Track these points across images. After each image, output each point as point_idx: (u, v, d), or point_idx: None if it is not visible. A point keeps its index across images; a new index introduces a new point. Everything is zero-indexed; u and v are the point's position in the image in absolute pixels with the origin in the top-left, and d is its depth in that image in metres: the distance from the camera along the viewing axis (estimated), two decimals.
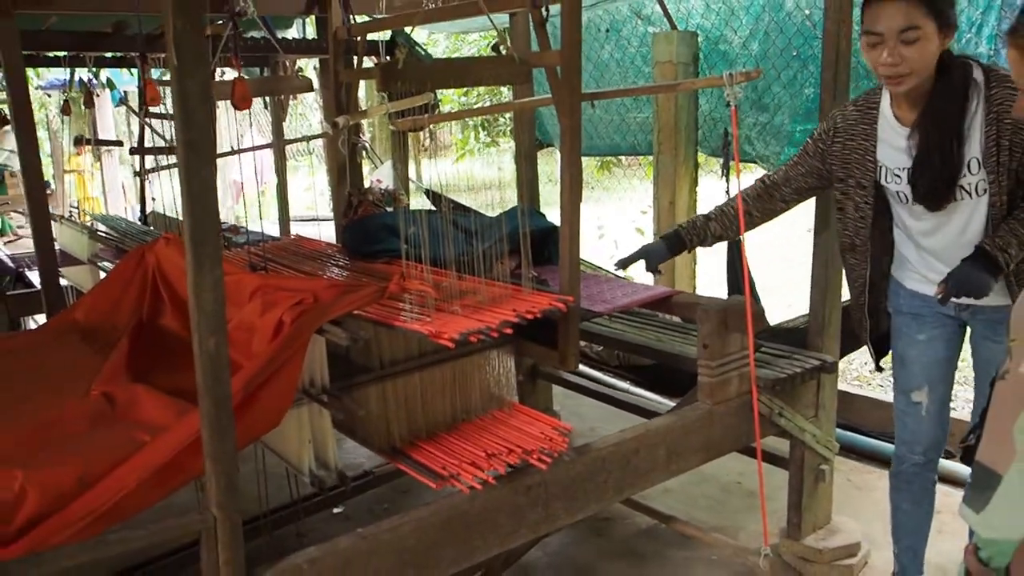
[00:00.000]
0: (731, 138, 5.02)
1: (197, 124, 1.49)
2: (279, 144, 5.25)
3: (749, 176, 4.99)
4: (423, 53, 1.76)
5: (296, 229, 5.69)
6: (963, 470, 3.38)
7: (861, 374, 5.30)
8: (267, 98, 5.57)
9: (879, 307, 2.47)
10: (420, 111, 3.88)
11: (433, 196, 5.07)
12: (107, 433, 1.80)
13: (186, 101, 1.48)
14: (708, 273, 5.42)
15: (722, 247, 3.34)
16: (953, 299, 2.10)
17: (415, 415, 2.17)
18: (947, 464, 3.54)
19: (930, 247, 2.26)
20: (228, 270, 1.92)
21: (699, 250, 5.68)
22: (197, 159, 1.51)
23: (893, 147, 2.22)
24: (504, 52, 2.03)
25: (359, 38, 3.02)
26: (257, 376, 1.74)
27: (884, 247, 2.40)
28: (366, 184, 3.61)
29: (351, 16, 2.93)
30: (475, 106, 8.34)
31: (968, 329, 2.35)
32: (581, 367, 3.74)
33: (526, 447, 2.09)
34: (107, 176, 8.66)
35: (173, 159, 4.73)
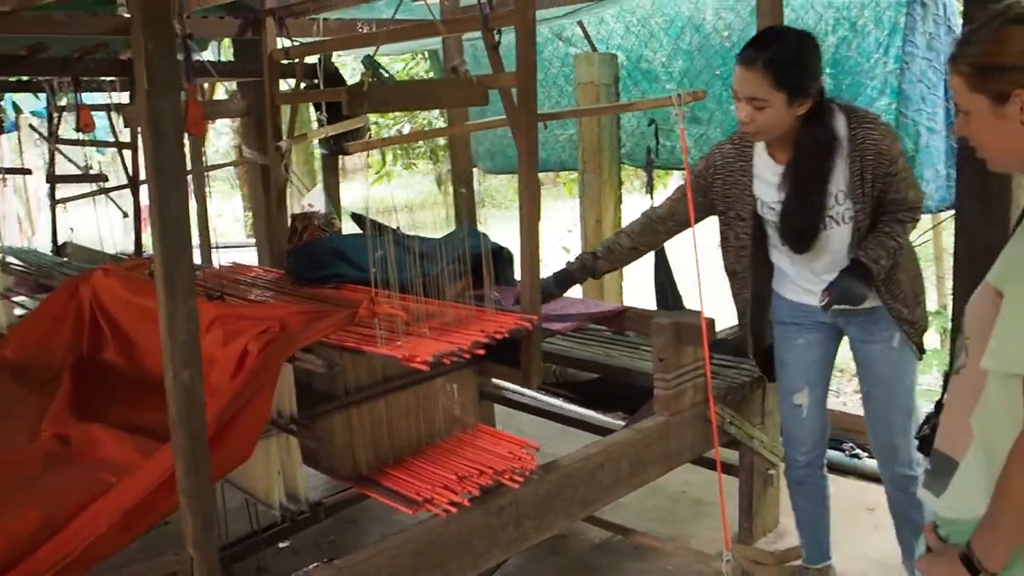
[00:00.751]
0: (654, 156, 5.17)
1: (168, 147, 1.45)
2: (199, 171, 5.10)
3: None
4: (387, 75, 1.75)
5: (217, 256, 5.55)
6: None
7: None
8: None
9: (762, 324, 2.62)
10: (353, 135, 3.86)
11: (358, 219, 5.02)
12: (67, 475, 1.70)
13: (157, 124, 1.43)
14: (634, 286, 5.52)
15: (649, 260, 3.45)
16: (834, 306, 2.28)
17: (381, 441, 2.14)
18: (872, 463, 3.70)
19: (806, 263, 2.43)
20: None
21: (625, 269, 5.81)
22: (168, 184, 1.46)
23: (767, 182, 2.38)
24: (461, 74, 2.03)
25: (297, 60, 2.97)
26: (228, 409, 1.68)
27: (764, 269, 2.56)
28: (297, 209, 3.55)
29: (290, 39, 2.88)
30: (393, 128, 8.31)
31: (844, 336, 2.52)
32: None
33: (496, 467, 2.08)
34: (2, 207, 8.23)
35: (89, 187, 4.55)
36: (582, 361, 2.96)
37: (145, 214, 3.91)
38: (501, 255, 2.98)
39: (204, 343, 1.93)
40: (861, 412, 2.76)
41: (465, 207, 3.78)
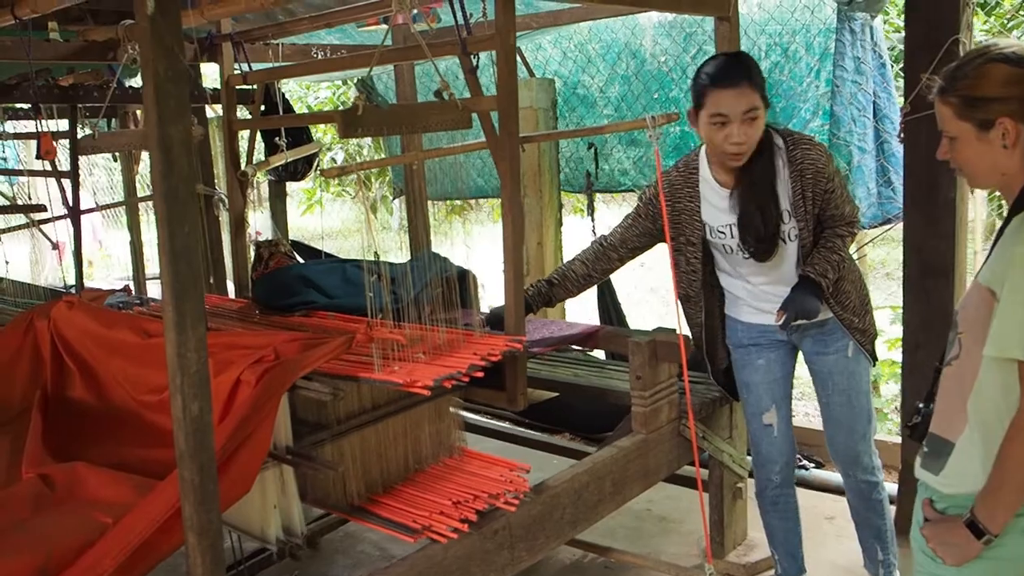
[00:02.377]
0: (593, 179, 5.27)
1: (179, 173, 1.41)
2: (132, 201, 4.95)
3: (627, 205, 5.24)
4: (380, 99, 1.73)
5: (153, 289, 5.37)
6: (836, 478, 3.65)
7: None
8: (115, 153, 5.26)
9: (716, 346, 2.71)
10: (304, 161, 3.81)
11: (300, 248, 4.95)
12: (58, 518, 1.62)
13: (169, 150, 1.39)
14: (577, 308, 5.58)
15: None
16: (780, 330, 2.41)
17: (370, 469, 2.10)
18: (822, 474, 3.82)
19: (758, 284, 2.53)
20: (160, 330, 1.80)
21: None
22: (180, 211, 1.42)
23: (716, 207, 2.48)
24: (447, 98, 2.04)
25: (255, 86, 2.93)
26: (230, 442, 1.63)
27: (715, 294, 2.65)
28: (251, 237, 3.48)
29: (248, 64, 2.84)
30: (327, 156, 8.21)
31: (799, 351, 2.62)
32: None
33: (490, 491, 2.07)
34: None
35: (15, 220, 4.36)
36: (551, 382, 2.97)
37: (91, 246, 3.77)
38: (467, 278, 2.98)
39: None
40: (804, 425, 2.86)
41: (419, 232, 3.76)
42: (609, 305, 4.98)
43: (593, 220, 5.13)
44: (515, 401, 2.25)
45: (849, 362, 2.51)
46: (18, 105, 3.74)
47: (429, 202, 5.54)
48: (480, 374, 1.92)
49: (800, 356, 2.64)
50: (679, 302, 2.67)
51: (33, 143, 4.06)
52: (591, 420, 4.29)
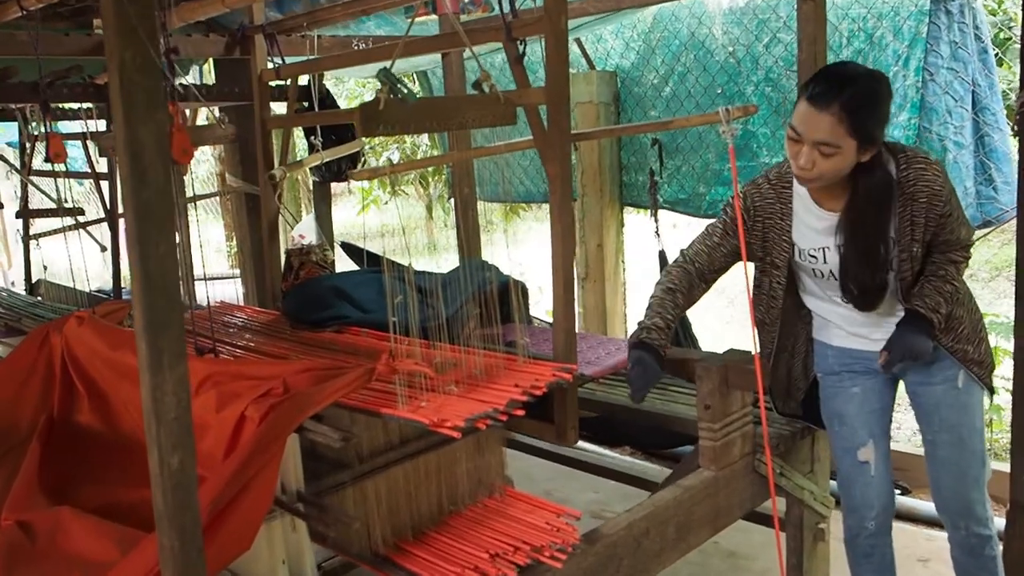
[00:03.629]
0: (657, 178, 4.95)
1: (153, 184, 1.17)
2: (181, 201, 4.80)
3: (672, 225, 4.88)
4: (406, 91, 1.50)
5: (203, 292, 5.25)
6: (928, 506, 3.27)
7: None
8: None
9: (787, 379, 2.42)
10: (348, 161, 3.59)
11: (349, 249, 4.74)
12: None
13: (138, 155, 1.16)
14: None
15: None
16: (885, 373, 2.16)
17: (398, 512, 1.85)
18: (909, 502, 3.45)
19: (851, 308, 2.20)
20: None
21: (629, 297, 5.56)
22: (153, 229, 1.18)
23: (809, 228, 2.17)
24: (488, 90, 1.78)
25: (290, 81, 2.71)
26: (225, 492, 1.40)
27: (799, 314, 2.34)
28: (287, 242, 3.28)
29: (281, 57, 2.62)
30: (382, 154, 8.04)
31: (900, 381, 2.30)
32: None
33: (533, 542, 1.80)
34: None
35: (63, 222, 4.25)
36: (605, 404, 2.68)
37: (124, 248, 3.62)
38: (512, 289, 2.71)
39: (194, 407, 1.65)
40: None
41: (467, 237, 3.51)
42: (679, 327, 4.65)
43: (656, 221, 4.81)
44: (565, 436, 1.98)
45: (960, 394, 2.17)
46: (69, 105, 3.62)
47: (482, 203, 5.32)
48: (521, 412, 1.64)
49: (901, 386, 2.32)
50: (757, 327, 2.35)
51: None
52: (653, 437, 3.99)
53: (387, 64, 1.56)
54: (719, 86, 4.50)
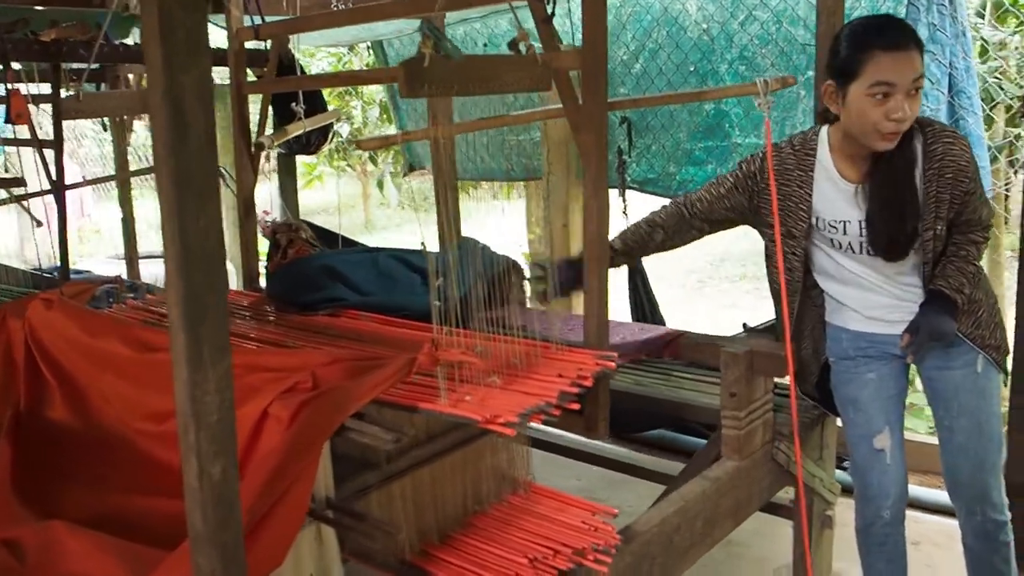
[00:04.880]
0: (626, 156, 4.83)
1: (195, 142, 0.98)
2: (124, 175, 4.49)
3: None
4: (450, 47, 1.32)
5: (145, 268, 4.93)
6: (917, 490, 3.25)
7: None
8: (106, 120, 4.80)
9: (805, 359, 2.34)
10: (320, 133, 3.36)
11: (318, 231, 4.50)
12: None
13: (179, 106, 0.96)
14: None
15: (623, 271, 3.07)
16: (909, 360, 2.11)
17: (424, 514, 1.69)
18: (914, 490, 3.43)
19: (869, 289, 2.17)
20: (165, 343, 1.39)
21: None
22: (196, 197, 0.98)
23: (832, 198, 2.12)
24: (525, 51, 1.61)
25: (268, 42, 2.48)
26: (259, 504, 1.21)
27: (809, 296, 2.28)
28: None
29: (261, 15, 2.39)
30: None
31: (913, 365, 2.23)
32: None
33: (572, 544, 1.66)
34: None
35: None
36: (637, 396, 2.54)
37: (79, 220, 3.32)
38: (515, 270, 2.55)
39: None
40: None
41: (447, 216, 3.33)
42: (642, 294, 4.57)
43: (625, 201, 4.70)
44: (596, 428, 1.84)
45: (979, 379, 2.11)
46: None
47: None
48: (576, 405, 1.50)
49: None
50: (773, 297, 2.27)
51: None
52: (625, 419, 3.89)
53: (427, 17, 1.38)
54: (692, 64, 4.39)
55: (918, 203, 2.02)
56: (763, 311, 2.58)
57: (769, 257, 2.25)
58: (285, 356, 1.61)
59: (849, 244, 2.10)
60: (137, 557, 1.29)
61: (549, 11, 1.80)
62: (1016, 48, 4.61)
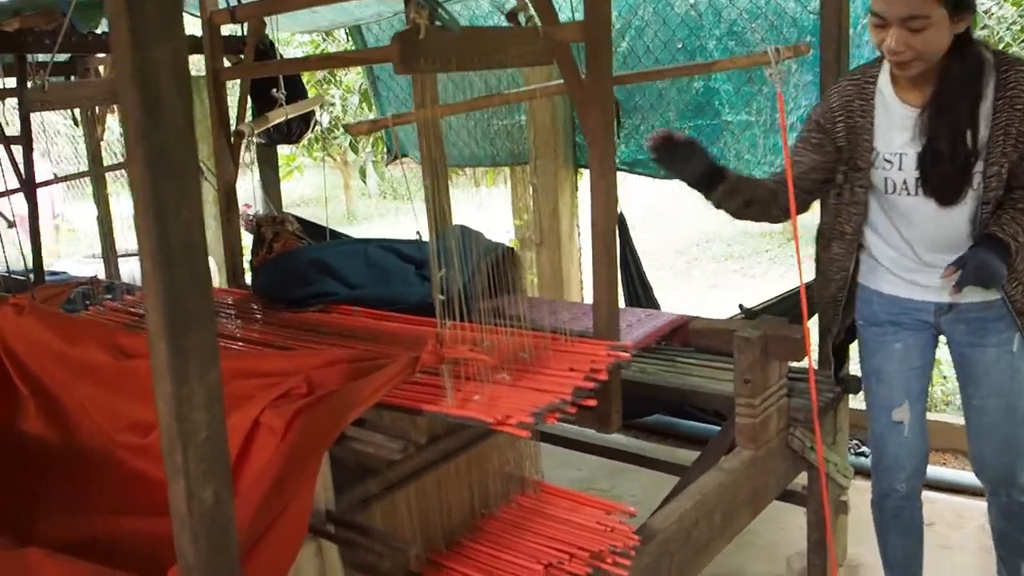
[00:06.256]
0: (615, 137, 4.71)
1: (170, 122, 0.86)
2: (97, 171, 4.33)
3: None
4: (447, 18, 1.21)
5: (125, 266, 4.78)
6: (947, 475, 3.19)
7: None
8: (75, 113, 4.63)
9: (851, 307, 2.24)
10: (301, 121, 3.23)
11: (304, 225, 4.37)
12: None
13: (149, 84, 0.84)
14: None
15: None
16: (950, 294, 1.94)
17: (429, 521, 1.59)
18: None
19: (914, 242, 2.04)
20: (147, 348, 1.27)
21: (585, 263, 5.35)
22: (173, 185, 0.87)
23: (890, 129, 2.01)
24: (524, 22, 1.50)
25: (245, 26, 2.35)
26: (255, 525, 1.10)
27: (851, 248, 2.17)
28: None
29: None
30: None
31: (945, 338, 2.14)
32: None
33: (589, 547, 1.56)
34: None
35: None
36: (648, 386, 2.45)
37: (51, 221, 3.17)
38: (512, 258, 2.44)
39: None
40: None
41: (435, 204, 3.20)
42: (633, 275, 4.48)
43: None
44: (608, 421, 1.74)
45: (1013, 358, 2.02)
46: None
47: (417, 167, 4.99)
48: (593, 402, 1.39)
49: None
50: (827, 244, 2.19)
51: None
52: (628, 405, 3.81)
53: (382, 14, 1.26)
54: (679, 40, 4.28)
55: (976, 136, 1.90)
56: (749, 292, 2.49)
57: (838, 192, 2.11)
58: (276, 359, 1.49)
59: (904, 183, 1.98)
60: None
61: None
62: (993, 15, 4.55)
